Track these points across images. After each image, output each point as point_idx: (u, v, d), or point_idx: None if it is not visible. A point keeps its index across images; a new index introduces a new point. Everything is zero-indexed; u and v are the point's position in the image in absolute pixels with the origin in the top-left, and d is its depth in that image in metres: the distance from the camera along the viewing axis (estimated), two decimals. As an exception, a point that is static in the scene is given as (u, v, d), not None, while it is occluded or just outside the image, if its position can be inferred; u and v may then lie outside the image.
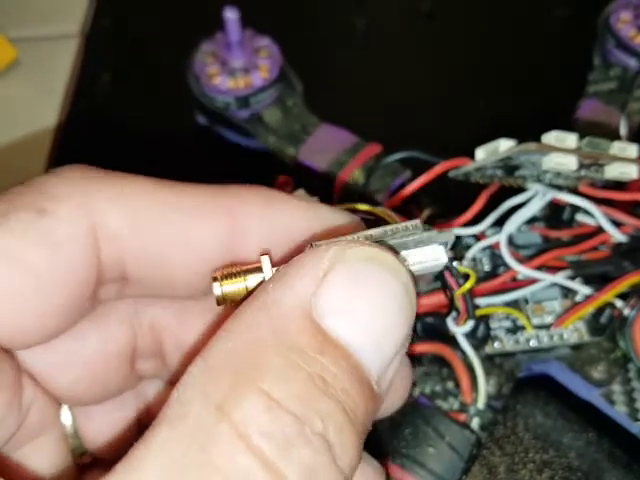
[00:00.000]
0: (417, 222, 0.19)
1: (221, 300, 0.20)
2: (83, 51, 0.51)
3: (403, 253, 0.19)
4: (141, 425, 0.26)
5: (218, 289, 0.20)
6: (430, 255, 0.19)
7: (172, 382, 0.25)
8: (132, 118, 0.46)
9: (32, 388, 0.23)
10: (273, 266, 0.20)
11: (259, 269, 0.20)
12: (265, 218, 0.22)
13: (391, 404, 0.24)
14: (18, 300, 0.19)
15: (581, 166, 0.29)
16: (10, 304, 0.19)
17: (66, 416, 0.25)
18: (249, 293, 0.20)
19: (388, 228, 0.19)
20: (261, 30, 0.44)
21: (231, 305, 0.20)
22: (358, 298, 0.17)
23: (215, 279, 0.20)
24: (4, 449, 0.22)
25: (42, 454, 0.24)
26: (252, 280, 0.20)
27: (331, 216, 0.22)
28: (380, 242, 0.19)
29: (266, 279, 0.20)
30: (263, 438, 0.15)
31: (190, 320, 0.24)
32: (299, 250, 0.19)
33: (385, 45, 0.50)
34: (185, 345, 0.24)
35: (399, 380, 0.23)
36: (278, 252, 0.22)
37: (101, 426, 0.25)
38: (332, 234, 0.20)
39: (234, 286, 0.20)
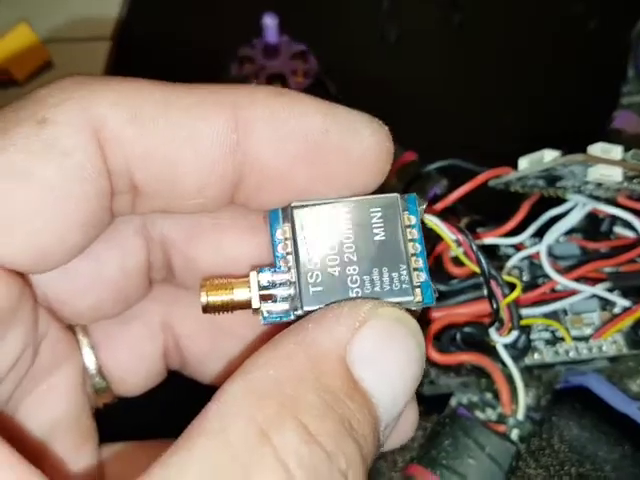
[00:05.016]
0: None
1: (205, 308, 0.21)
2: (115, 54, 0.51)
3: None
4: (167, 359, 0.27)
5: (204, 297, 0.21)
6: None
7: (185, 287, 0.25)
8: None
9: (45, 320, 0.22)
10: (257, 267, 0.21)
11: (247, 283, 0.21)
12: (272, 112, 0.20)
13: (398, 439, 0.24)
14: (36, 218, 0.18)
15: (625, 178, 0.29)
16: (28, 223, 0.18)
17: (88, 354, 0.25)
18: (235, 306, 0.21)
19: None
20: (297, 37, 0.44)
21: (215, 314, 0.21)
22: (386, 354, 0.19)
23: (202, 286, 0.21)
24: (21, 387, 0.22)
25: (58, 394, 0.23)
26: (239, 294, 0.21)
27: (350, 118, 0.21)
28: None
29: (252, 297, 0.21)
30: (300, 469, 0.16)
31: (197, 235, 0.24)
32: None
33: (418, 54, 0.50)
34: (192, 259, 0.24)
35: (406, 418, 0.24)
36: (290, 151, 0.20)
37: (125, 362, 0.26)
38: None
39: (219, 297, 0.21)
